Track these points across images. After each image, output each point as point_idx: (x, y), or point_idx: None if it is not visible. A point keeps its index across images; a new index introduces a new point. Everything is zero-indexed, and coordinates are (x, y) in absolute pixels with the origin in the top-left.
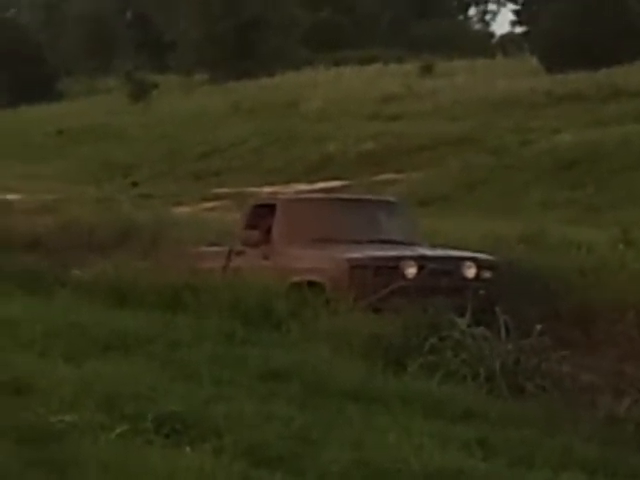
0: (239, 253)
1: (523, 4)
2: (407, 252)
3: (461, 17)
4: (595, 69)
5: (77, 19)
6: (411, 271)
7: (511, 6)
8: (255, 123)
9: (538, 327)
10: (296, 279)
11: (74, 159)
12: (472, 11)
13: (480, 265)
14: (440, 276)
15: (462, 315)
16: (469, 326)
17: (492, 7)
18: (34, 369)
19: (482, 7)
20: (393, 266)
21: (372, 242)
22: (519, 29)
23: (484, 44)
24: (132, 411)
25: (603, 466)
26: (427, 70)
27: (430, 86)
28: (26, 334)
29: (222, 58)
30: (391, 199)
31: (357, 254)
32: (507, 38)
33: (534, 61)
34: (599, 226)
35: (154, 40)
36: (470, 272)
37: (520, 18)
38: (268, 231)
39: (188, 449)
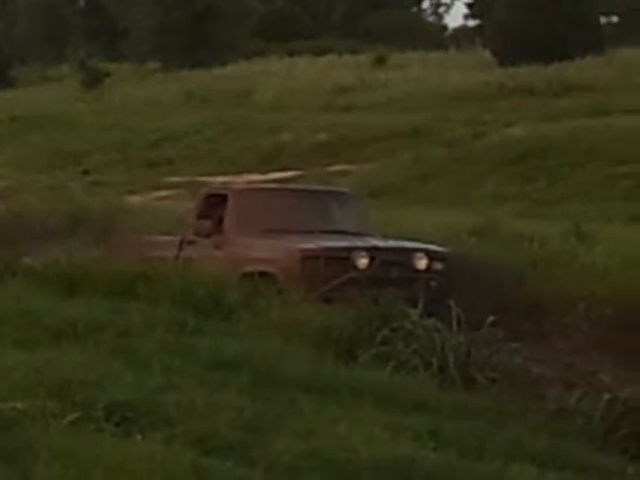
0: (191, 242)
1: None
2: (359, 243)
3: (415, 9)
4: (547, 63)
5: (30, 6)
6: (363, 262)
7: None
8: (208, 112)
9: (490, 319)
10: (248, 269)
11: (26, 146)
12: (426, 3)
13: (432, 256)
14: (391, 267)
15: (414, 306)
16: (421, 317)
17: (445, 0)
18: None
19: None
20: (345, 257)
21: (324, 232)
22: (472, 22)
23: (437, 37)
24: (83, 399)
25: (553, 458)
26: (380, 62)
27: (383, 78)
28: None
29: (175, 47)
30: (343, 190)
31: (309, 244)
32: (460, 31)
33: (487, 54)
34: (550, 219)
35: (107, 28)
36: (421, 263)
37: (473, 11)
38: (220, 221)
39: (139, 437)
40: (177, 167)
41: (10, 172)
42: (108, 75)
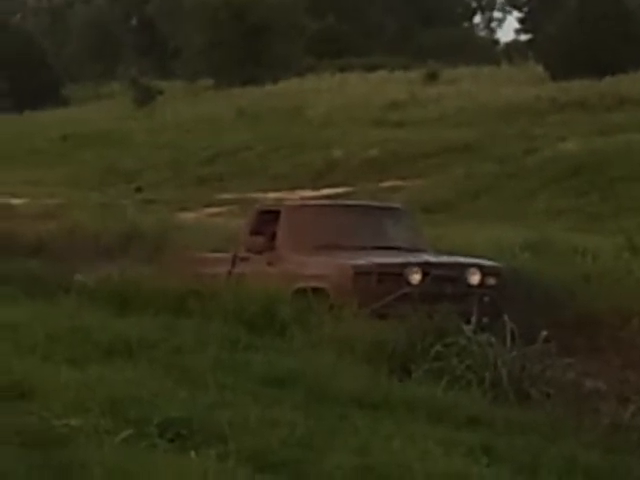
0: (243, 259)
1: (528, 12)
2: (411, 258)
3: (466, 24)
4: (599, 77)
5: (82, 25)
6: (415, 277)
7: (516, 14)
8: (260, 129)
9: (543, 334)
10: (300, 285)
11: (78, 164)
12: (477, 18)
13: (484, 272)
14: (444, 282)
15: (467, 322)
16: (474, 332)
17: (497, 14)
18: (37, 373)
19: (487, 14)
20: (397, 272)
21: (376, 248)
22: (524, 37)
23: (489, 52)
24: (136, 416)
25: (607, 473)
26: (432, 77)
27: (435, 93)
28: (29, 338)
29: (227, 64)
30: (395, 205)
31: (361, 260)
32: (512, 46)
33: (539, 69)
34: (603, 234)
35: (159, 46)
36: (474, 278)
37: (525, 26)
38: (272, 237)
39: (193, 454)
40: (229, 184)
41: (62, 190)
42: (160, 93)
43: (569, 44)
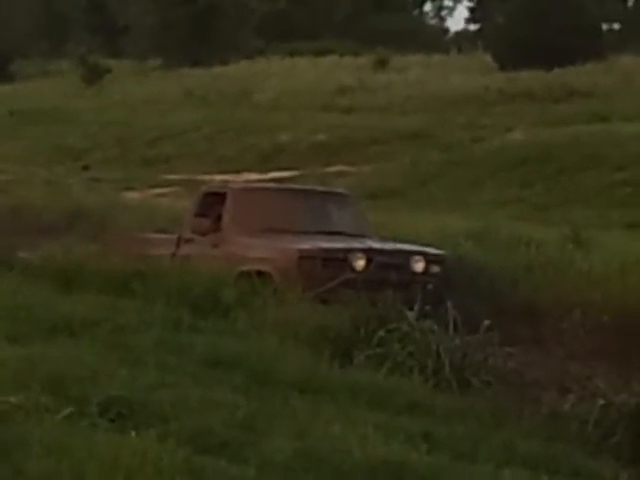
0: (188, 241)
1: (478, 1)
2: (356, 244)
3: (417, 12)
4: (548, 69)
5: (30, 1)
6: (360, 263)
7: (466, 3)
8: (208, 111)
9: (486, 322)
10: (245, 268)
11: (25, 141)
12: (428, 6)
13: (429, 259)
14: (389, 269)
15: (410, 309)
16: (417, 319)
17: (448, 3)
18: None
19: (438, 3)
20: (342, 258)
21: (321, 233)
22: (474, 26)
23: (439, 40)
24: (77, 394)
25: (546, 462)
26: (381, 64)
27: (384, 80)
28: None
29: (176, 44)
30: (341, 191)
31: (306, 245)
32: (462, 35)
33: (488, 59)
34: (548, 225)
35: (108, 24)
36: (419, 266)
37: (475, 15)
38: (218, 219)
39: (133, 434)
40: (175, 165)
41: (9, 166)
42: (108, 71)
43: (518, 34)
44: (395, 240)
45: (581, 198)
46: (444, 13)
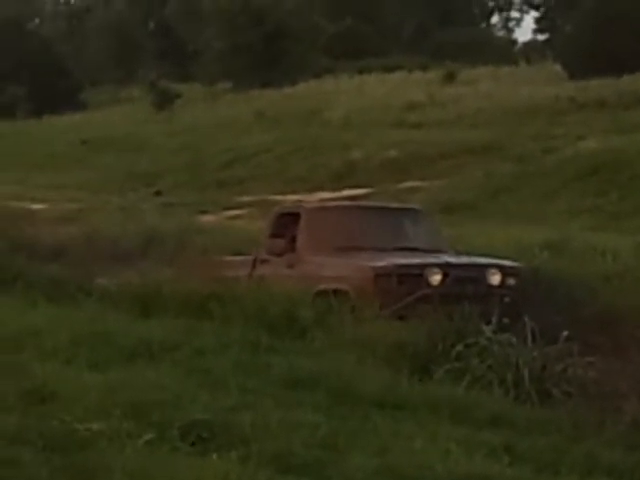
0: (264, 261)
1: (545, 11)
2: (431, 259)
3: (484, 25)
4: (618, 76)
5: (100, 29)
6: (436, 278)
7: (533, 13)
8: (279, 131)
9: (565, 333)
10: (321, 287)
11: (98, 169)
12: (495, 18)
13: (505, 272)
14: (465, 283)
15: (488, 322)
16: (495, 333)
17: (515, 14)
18: (59, 377)
19: (505, 14)
20: (418, 274)
21: (396, 250)
22: (541, 36)
23: (507, 51)
24: (158, 419)
25: (629, 471)
26: (450, 78)
27: (453, 94)
28: (51, 342)
29: (245, 67)
30: (415, 206)
31: (381, 262)
32: (530, 45)
33: (557, 68)
34: (623, 233)
35: (177, 49)
36: (495, 279)
37: (542, 25)
38: (293, 239)
39: (214, 457)
40: (248, 186)
41: (82, 194)
42: (179, 96)
43: (586, 43)
44: (470, 254)
45: None
46: (511, 24)
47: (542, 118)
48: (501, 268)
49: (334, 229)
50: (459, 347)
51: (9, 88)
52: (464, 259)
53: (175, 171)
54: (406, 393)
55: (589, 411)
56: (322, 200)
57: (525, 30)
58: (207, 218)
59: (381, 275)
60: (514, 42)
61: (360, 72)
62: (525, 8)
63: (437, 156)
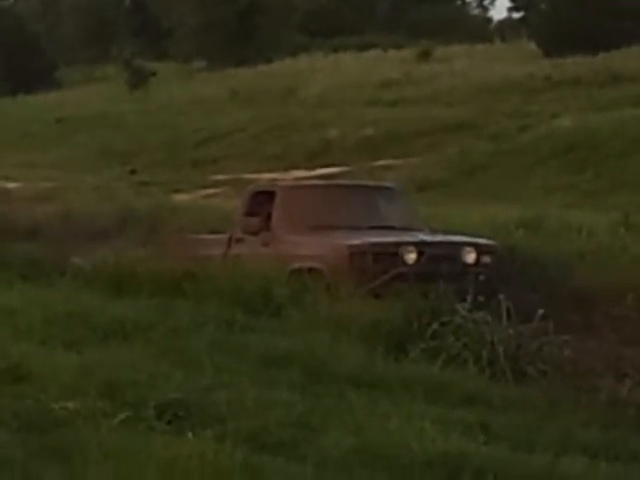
0: (239, 240)
1: None
2: (406, 238)
3: (459, 2)
4: (593, 54)
5: (73, 7)
6: (411, 256)
7: None
8: (253, 110)
9: (540, 311)
10: (296, 266)
11: (73, 147)
12: None
13: (480, 250)
14: (440, 261)
15: (463, 300)
16: (470, 311)
17: None
18: (34, 357)
19: None
20: (393, 252)
21: (371, 228)
22: (517, 14)
23: (482, 29)
24: (133, 398)
25: (605, 449)
26: (425, 55)
27: (428, 71)
28: (25, 322)
29: (220, 45)
30: (390, 185)
31: (356, 240)
32: (505, 23)
33: (532, 46)
34: (598, 210)
35: (152, 27)
36: (470, 257)
37: (517, 3)
38: (268, 218)
39: (190, 435)
40: (223, 165)
41: (57, 173)
42: (153, 74)
43: (562, 21)
44: (445, 232)
45: (631, 182)
46: (486, 2)
47: (517, 96)
48: (476, 246)
49: (309, 208)
50: (434, 325)
51: None
52: (439, 237)
53: (150, 150)
54: (381, 372)
55: (564, 389)
56: (297, 179)
57: (500, 8)
58: (182, 197)
59: (356, 253)
60: (489, 20)
61: (335, 50)
62: None
63: (412, 134)
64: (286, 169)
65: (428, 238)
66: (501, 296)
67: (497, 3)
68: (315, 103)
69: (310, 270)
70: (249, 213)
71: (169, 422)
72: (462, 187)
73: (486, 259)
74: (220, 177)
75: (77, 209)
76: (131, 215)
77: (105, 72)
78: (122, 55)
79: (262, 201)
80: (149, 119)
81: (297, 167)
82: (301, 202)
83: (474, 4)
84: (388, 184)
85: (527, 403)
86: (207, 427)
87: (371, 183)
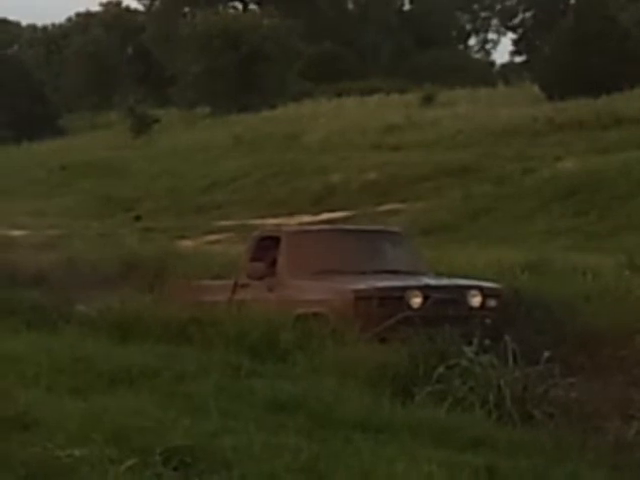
0: (244, 286)
1: (523, 33)
2: (412, 282)
3: (461, 46)
4: (595, 96)
5: (78, 55)
6: (416, 301)
7: (511, 35)
8: (257, 155)
9: (546, 354)
10: (301, 311)
11: (77, 194)
12: (472, 40)
13: (485, 293)
14: (446, 305)
15: (469, 343)
16: (476, 354)
17: (492, 36)
18: (40, 404)
19: (482, 36)
20: (398, 296)
21: (377, 272)
22: (519, 58)
23: (485, 73)
24: (140, 444)
25: None
26: (428, 100)
27: (431, 116)
28: (32, 369)
29: (223, 91)
30: (394, 229)
31: (362, 285)
32: (508, 67)
33: (535, 89)
34: (602, 253)
35: (155, 75)
36: (475, 300)
37: (520, 47)
38: (273, 263)
39: None
40: (227, 211)
41: (62, 220)
42: (157, 121)
43: (564, 64)
44: (451, 276)
45: (634, 225)
46: (489, 46)
47: (520, 139)
48: (482, 289)
49: (314, 252)
50: (441, 369)
51: None
52: (444, 281)
53: (154, 196)
54: (388, 416)
55: (571, 432)
56: (302, 224)
57: (503, 52)
58: (186, 243)
59: (361, 298)
60: (492, 64)
61: (338, 95)
62: (502, 30)
63: (416, 178)
64: (290, 214)
65: (433, 282)
66: (507, 339)
67: (499, 47)
68: (319, 148)
69: (316, 315)
70: (254, 258)
71: (175, 468)
72: (466, 230)
73: (492, 302)
74: (224, 223)
75: (82, 256)
76: (136, 261)
77: (109, 119)
78: (125, 102)
79: (267, 246)
80: (153, 166)
81: (302, 212)
82: (306, 247)
83: (476, 48)
84: (393, 228)
85: (534, 446)
86: (214, 473)
87: (376, 228)
